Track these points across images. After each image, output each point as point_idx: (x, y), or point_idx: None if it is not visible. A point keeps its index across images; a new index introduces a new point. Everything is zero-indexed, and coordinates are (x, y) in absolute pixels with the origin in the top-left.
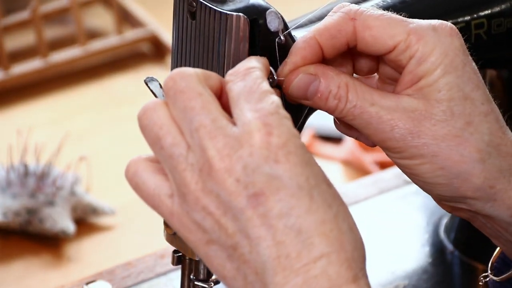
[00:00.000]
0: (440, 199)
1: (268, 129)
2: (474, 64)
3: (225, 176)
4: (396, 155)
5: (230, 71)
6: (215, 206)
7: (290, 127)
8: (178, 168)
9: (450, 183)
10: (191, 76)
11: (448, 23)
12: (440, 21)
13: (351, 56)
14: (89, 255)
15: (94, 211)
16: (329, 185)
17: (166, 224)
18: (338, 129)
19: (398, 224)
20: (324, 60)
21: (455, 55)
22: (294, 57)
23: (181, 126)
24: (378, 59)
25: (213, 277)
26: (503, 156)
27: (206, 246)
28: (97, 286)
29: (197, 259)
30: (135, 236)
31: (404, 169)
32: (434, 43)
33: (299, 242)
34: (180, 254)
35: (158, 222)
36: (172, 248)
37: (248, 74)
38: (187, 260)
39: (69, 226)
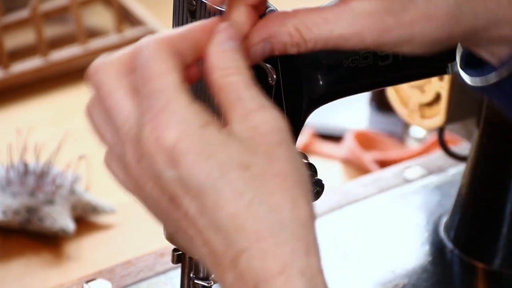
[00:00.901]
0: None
1: (155, 136)
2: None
3: (142, 182)
4: (391, 45)
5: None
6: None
7: (178, 119)
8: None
9: (450, 31)
10: (103, 68)
11: None
12: None
13: None
14: (89, 253)
15: (94, 209)
16: (245, 168)
17: None
18: None
19: (397, 223)
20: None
21: None
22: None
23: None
24: None
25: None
26: None
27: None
28: (97, 285)
29: (196, 257)
30: (135, 234)
31: (415, 45)
32: None
33: (221, 239)
34: (180, 252)
35: None
36: (172, 246)
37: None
38: (187, 259)
39: (69, 225)
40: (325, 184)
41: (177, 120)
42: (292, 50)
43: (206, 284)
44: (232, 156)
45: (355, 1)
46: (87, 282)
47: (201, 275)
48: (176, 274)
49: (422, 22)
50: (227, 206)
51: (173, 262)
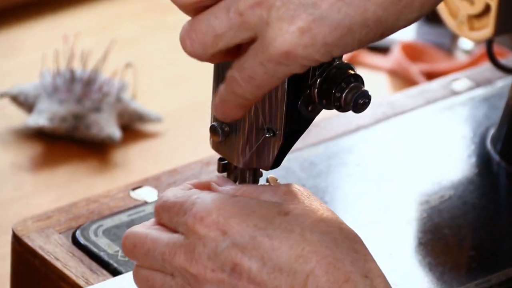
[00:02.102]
0: None
1: (199, 218)
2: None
3: (204, 274)
4: None
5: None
6: None
7: (214, 200)
8: None
9: None
10: (130, 233)
11: None
12: None
13: None
14: (135, 161)
15: (140, 117)
16: (285, 213)
17: (212, 132)
18: None
19: (444, 135)
20: None
21: None
22: None
23: (157, 268)
24: None
25: (259, 184)
26: None
27: None
28: (143, 192)
29: (242, 167)
30: (181, 143)
31: None
32: None
33: (286, 277)
34: (226, 162)
35: (204, 129)
36: (218, 155)
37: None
38: (233, 168)
39: (115, 132)
40: (372, 96)
41: (210, 199)
42: None
43: None
44: (271, 209)
45: None
46: (134, 189)
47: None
48: None
49: None
50: (282, 244)
51: (218, 171)
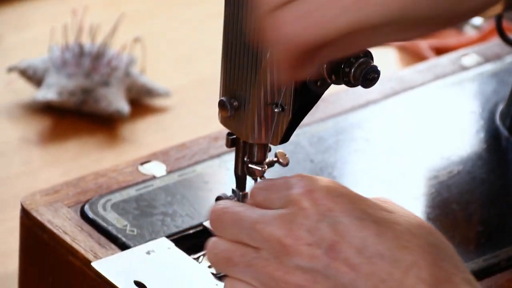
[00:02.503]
0: None
1: (308, 190)
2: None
3: (298, 246)
4: None
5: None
6: (304, 278)
7: (323, 179)
8: (258, 269)
9: None
10: (223, 202)
11: None
12: None
13: None
14: (144, 136)
15: (149, 92)
16: (389, 211)
17: (221, 107)
18: None
19: (453, 110)
20: None
21: None
22: None
23: (240, 239)
24: None
25: (267, 159)
26: None
27: None
28: (151, 167)
29: (251, 142)
30: (189, 118)
31: None
32: None
33: (386, 264)
34: (234, 136)
35: (213, 104)
36: (227, 130)
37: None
38: (241, 143)
39: (124, 107)
40: (380, 71)
41: (319, 179)
42: None
43: (260, 168)
44: (376, 204)
45: None
46: (142, 164)
47: (255, 159)
48: (230, 158)
49: None
50: (388, 231)
51: (227, 146)
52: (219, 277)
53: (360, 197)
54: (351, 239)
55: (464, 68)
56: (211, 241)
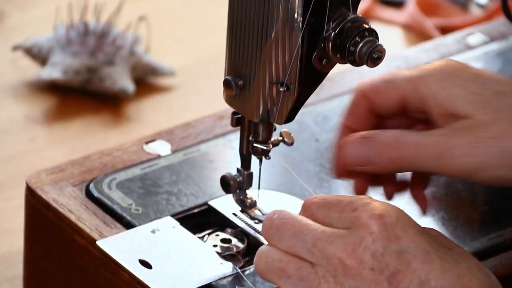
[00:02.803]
0: None
1: (378, 214)
2: (475, 66)
3: (360, 269)
4: (471, 173)
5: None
6: None
7: (393, 206)
8: (312, 286)
9: None
10: (281, 212)
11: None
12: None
13: (387, 122)
14: (149, 115)
15: (154, 71)
16: (449, 247)
17: (226, 85)
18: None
19: None
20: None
21: (459, 71)
22: (337, 137)
23: (297, 252)
24: (410, 114)
25: (272, 139)
26: None
27: None
28: (156, 146)
29: (256, 121)
30: (194, 97)
31: (492, 182)
32: (434, 73)
33: None
34: (239, 115)
35: (217, 84)
36: (232, 109)
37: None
38: (246, 122)
39: (129, 86)
40: (386, 50)
41: (387, 204)
42: (392, 153)
43: (265, 147)
44: (436, 239)
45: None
46: (147, 143)
47: (260, 138)
48: (235, 137)
49: None
50: (451, 269)
51: (232, 125)
52: (224, 256)
53: (425, 230)
54: (414, 270)
55: (469, 47)
56: (264, 249)
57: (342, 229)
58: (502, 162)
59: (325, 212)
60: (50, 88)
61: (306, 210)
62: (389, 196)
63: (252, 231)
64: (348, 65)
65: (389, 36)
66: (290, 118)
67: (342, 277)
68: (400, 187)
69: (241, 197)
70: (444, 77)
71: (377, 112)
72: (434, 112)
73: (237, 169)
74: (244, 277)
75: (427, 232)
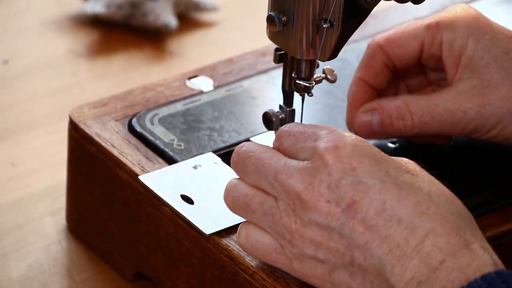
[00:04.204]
0: None
1: (334, 146)
2: (497, 23)
3: (316, 202)
4: (481, 132)
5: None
6: (319, 234)
7: (351, 136)
8: (275, 219)
9: None
10: (249, 145)
11: (458, 4)
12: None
13: (401, 80)
14: (191, 50)
15: (197, 6)
16: (413, 174)
17: (269, 21)
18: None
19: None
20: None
21: (477, 21)
22: (348, 103)
23: (260, 185)
24: (424, 71)
25: (315, 75)
26: None
27: (329, 275)
28: (199, 82)
29: (299, 58)
30: (237, 32)
31: (495, 140)
32: (453, 21)
33: (403, 229)
34: (282, 52)
35: (261, 19)
36: (274, 46)
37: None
38: (289, 58)
39: (172, 21)
40: None
41: (348, 135)
42: (398, 124)
43: (308, 84)
44: (401, 165)
45: (460, 81)
46: (189, 78)
47: (303, 75)
48: (277, 74)
49: None
50: (409, 197)
51: (275, 61)
52: None
53: (386, 159)
54: (370, 201)
55: None
56: (231, 183)
57: (303, 161)
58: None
59: (292, 142)
60: (93, 22)
61: (278, 139)
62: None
63: None
64: (392, 2)
65: None
66: (333, 55)
67: (300, 210)
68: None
69: None
70: (461, 26)
71: (393, 66)
72: (448, 62)
73: (279, 105)
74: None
75: (386, 160)
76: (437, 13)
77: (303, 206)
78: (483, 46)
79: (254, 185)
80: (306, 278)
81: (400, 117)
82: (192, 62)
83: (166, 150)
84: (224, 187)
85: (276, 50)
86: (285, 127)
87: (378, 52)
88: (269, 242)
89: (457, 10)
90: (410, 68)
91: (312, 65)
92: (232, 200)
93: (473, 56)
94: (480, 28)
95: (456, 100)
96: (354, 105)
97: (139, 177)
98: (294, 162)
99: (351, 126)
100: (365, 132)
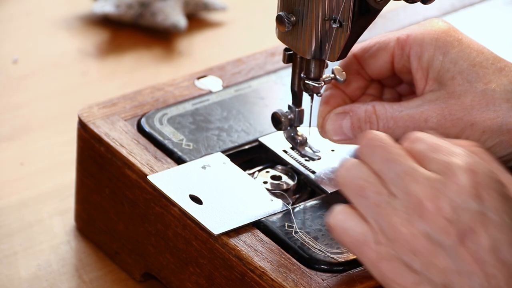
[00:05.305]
0: (505, 162)
1: (472, 169)
2: (468, 36)
3: (436, 215)
4: (456, 131)
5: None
6: (425, 245)
7: (486, 165)
8: (383, 214)
9: (500, 141)
10: (378, 133)
11: (432, 18)
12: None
13: (393, 88)
14: (200, 50)
15: (206, 6)
16: None
17: (278, 21)
18: None
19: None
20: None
21: (446, 35)
22: (320, 106)
23: (383, 177)
24: (397, 82)
25: (324, 75)
26: None
27: (415, 287)
28: (208, 81)
29: (308, 58)
30: (246, 33)
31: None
32: (422, 35)
33: (509, 274)
34: (291, 52)
35: (269, 19)
36: (283, 46)
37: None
38: (298, 59)
39: (181, 21)
40: None
41: (482, 162)
42: (366, 128)
43: (317, 84)
44: None
45: (428, 92)
46: (198, 78)
47: (312, 75)
48: (286, 74)
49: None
50: None
51: (284, 61)
52: (274, 193)
53: (509, 197)
54: (488, 236)
55: None
56: (353, 162)
57: (431, 172)
58: (471, 133)
59: (424, 149)
60: (103, 22)
61: (409, 141)
62: None
63: (302, 169)
64: (402, 2)
65: None
66: (342, 55)
67: (415, 216)
68: None
69: (292, 134)
70: (430, 39)
71: (368, 74)
72: (417, 74)
73: (288, 106)
74: (294, 215)
75: (510, 199)
76: (409, 26)
77: (421, 214)
78: (449, 60)
79: (376, 174)
80: (386, 281)
81: (368, 120)
82: (201, 62)
83: (175, 150)
84: (233, 187)
85: (285, 50)
86: (419, 133)
87: (353, 62)
88: (362, 232)
89: (428, 24)
90: (390, 78)
91: (321, 65)
92: (349, 179)
93: (440, 69)
94: (447, 41)
95: (420, 108)
96: (326, 108)
97: (148, 177)
98: (422, 169)
99: (322, 129)
100: (336, 135)
